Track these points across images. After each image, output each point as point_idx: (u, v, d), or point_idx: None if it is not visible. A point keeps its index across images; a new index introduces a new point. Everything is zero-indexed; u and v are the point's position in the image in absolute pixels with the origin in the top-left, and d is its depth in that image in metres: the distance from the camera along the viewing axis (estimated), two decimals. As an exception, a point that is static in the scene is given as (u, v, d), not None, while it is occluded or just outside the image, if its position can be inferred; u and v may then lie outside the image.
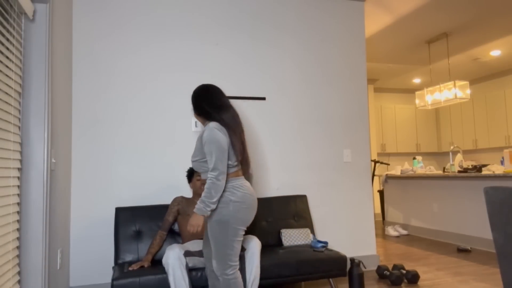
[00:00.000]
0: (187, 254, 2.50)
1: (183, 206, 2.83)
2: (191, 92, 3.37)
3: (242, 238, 2.21)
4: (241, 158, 2.24)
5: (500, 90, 7.47)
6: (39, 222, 2.15)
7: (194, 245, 2.66)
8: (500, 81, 7.67)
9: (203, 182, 2.39)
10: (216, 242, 2.14)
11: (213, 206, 2.08)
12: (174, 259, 2.37)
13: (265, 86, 3.60)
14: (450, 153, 5.40)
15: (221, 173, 2.08)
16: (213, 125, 2.16)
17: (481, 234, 4.57)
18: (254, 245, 2.50)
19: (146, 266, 2.57)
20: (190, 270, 2.50)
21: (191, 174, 2.94)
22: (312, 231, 3.32)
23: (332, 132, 3.77)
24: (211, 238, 2.16)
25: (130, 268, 2.50)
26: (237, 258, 2.19)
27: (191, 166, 3.07)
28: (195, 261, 2.53)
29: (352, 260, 2.99)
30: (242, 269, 2.46)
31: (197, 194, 2.90)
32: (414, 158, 5.85)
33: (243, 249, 2.49)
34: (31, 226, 2.13)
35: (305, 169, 3.65)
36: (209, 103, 2.24)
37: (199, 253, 2.59)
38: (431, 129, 8.81)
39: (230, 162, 2.18)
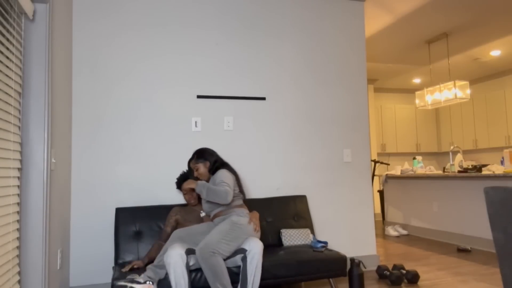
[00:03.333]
0: (190, 252, 2.50)
1: (182, 215, 2.83)
2: (191, 93, 3.37)
3: (236, 246, 2.52)
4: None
5: (500, 90, 7.47)
6: (39, 222, 2.15)
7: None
8: (500, 81, 7.67)
9: (192, 194, 2.88)
10: (221, 232, 2.47)
11: (204, 194, 2.57)
12: (176, 256, 2.37)
13: (265, 86, 3.60)
14: (450, 153, 5.40)
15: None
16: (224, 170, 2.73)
17: (481, 234, 4.57)
18: (255, 246, 2.50)
19: (136, 266, 2.55)
20: (190, 271, 2.50)
21: (180, 184, 2.92)
22: (312, 231, 3.32)
23: (332, 132, 3.77)
24: (220, 229, 2.48)
25: (123, 270, 2.48)
26: (225, 255, 2.47)
27: (183, 172, 3.05)
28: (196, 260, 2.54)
29: (352, 260, 2.99)
30: (244, 269, 2.47)
31: (190, 204, 2.91)
32: (414, 158, 5.85)
33: (244, 251, 2.50)
34: (31, 226, 2.13)
35: (305, 169, 3.65)
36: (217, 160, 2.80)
37: None
38: (431, 129, 8.81)
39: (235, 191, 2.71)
